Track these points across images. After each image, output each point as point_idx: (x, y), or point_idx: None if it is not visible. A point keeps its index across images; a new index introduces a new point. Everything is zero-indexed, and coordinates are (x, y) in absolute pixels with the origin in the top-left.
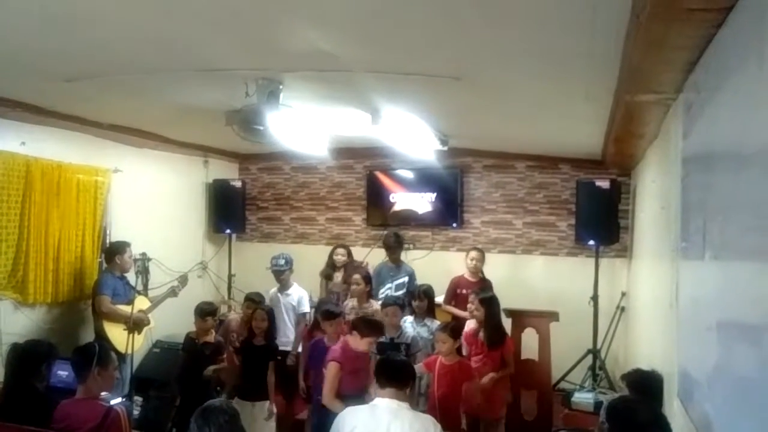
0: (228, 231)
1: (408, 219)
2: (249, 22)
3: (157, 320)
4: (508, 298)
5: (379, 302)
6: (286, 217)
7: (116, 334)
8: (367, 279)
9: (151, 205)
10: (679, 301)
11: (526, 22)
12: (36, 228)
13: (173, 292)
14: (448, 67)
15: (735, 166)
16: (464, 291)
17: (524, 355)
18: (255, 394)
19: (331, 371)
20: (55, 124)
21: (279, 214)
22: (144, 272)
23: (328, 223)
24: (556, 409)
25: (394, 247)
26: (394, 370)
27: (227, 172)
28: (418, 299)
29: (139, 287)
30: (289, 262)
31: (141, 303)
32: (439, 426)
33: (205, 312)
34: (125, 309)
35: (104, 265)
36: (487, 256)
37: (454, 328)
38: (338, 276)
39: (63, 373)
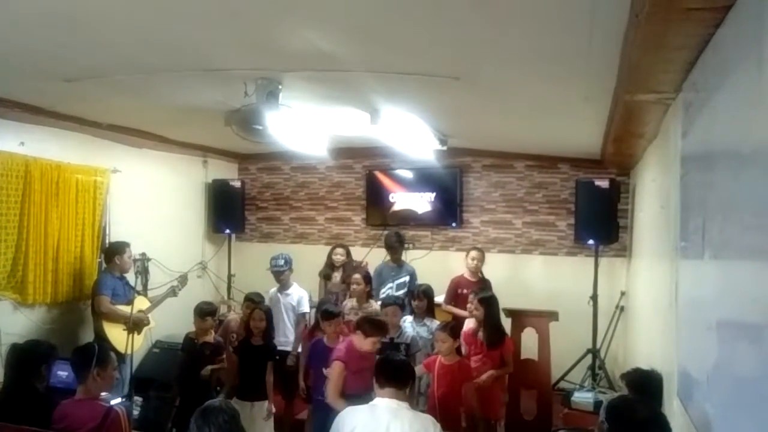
0: (227, 231)
1: (407, 219)
2: (248, 22)
3: (156, 320)
4: (507, 297)
5: (379, 302)
6: (285, 217)
7: (116, 335)
8: (368, 279)
9: (150, 206)
10: (678, 301)
11: (525, 22)
12: (35, 228)
13: (173, 293)
14: (447, 66)
15: (734, 165)
16: (465, 291)
17: (524, 355)
18: (253, 394)
19: (335, 370)
20: (54, 124)
21: (278, 214)
22: (143, 272)
23: (328, 223)
24: (556, 408)
25: (396, 246)
26: (394, 370)
27: (226, 172)
28: (418, 299)
29: (139, 287)
30: (288, 263)
31: (140, 303)
32: (438, 426)
33: (205, 312)
34: (125, 309)
35: (104, 265)
36: (487, 255)
37: (454, 327)
38: (337, 276)
39: (63, 373)
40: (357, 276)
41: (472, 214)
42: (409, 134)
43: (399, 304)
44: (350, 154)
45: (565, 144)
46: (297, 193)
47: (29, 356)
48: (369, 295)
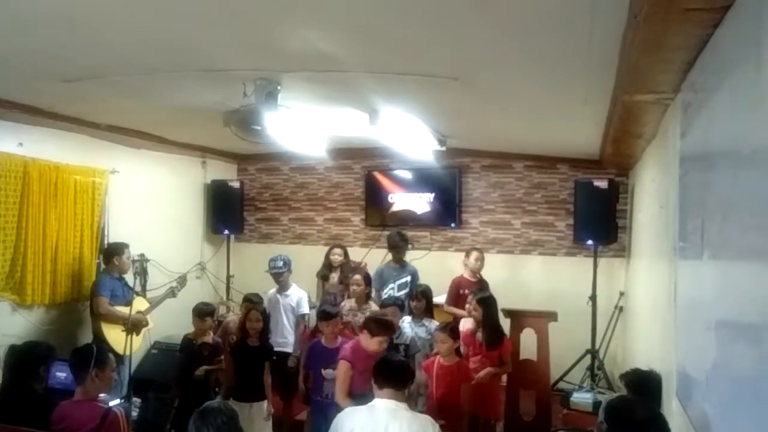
0: (226, 232)
1: (406, 219)
2: (247, 22)
3: (155, 321)
4: (506, 298)
5: (379, 304)
6: (284, 218)
7: (114, 336)
8: (368, 280)
9: (149, 206)
10: (677, 301)
11: (525, 23)
12: (33, 229)
13: (172, 293)
14: (446, 67)
15: (733, 166)
16: (465, 291)
17: (523, 356)
18: (251, 395)
19: (341, 370)
20: (52, 125)
21: (277, 214)
22: (142, 273)
23: (327, 224)
24: (555, 409)
25: (400, 246)
26: (393, 371)
27: (225, 172)
28: (416, 300)
29: (138, 288)
30: (287, 264)
31: (139, 304)
32: (437, 426)
33: (203, 312)
34: (123, 310)
35: (102, 266)
36: (486, 256)
37: (454, 328)
38: (334, 277)
39: (61, 374)
40: (357, 277)
41: (471, 215)
42: (408, 135)
43: (398, 305)
44: (349, 154)
45: (564, 144)
46: (296, 194)
47: (28, 357)
48: (368, 296)
